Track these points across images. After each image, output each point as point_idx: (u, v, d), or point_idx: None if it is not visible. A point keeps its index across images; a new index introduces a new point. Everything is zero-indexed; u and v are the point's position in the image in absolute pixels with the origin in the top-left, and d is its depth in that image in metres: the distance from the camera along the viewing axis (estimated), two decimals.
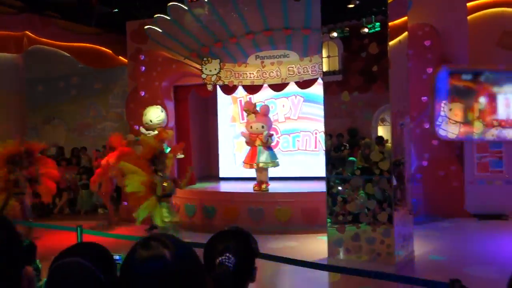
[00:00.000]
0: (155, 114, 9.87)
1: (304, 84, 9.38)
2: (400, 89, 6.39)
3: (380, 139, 6.24)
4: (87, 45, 11.76)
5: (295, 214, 8.27)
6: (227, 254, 1.59)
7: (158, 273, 1.07)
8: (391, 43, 6.10)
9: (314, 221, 7.82)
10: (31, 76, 11.89)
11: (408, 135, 6.74)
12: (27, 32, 10.57)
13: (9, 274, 1.02)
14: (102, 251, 1.56)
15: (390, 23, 6.06)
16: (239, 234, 1.72)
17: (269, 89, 9.85)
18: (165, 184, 6.80)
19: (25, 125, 11.48)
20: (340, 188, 6.38)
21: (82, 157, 11.90)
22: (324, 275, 5.65)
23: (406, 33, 6.70)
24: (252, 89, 9.79)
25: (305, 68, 9.14)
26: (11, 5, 10.11)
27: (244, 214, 8.48)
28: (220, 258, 1.58)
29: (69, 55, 11.57)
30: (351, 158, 6.35)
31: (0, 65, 10.51)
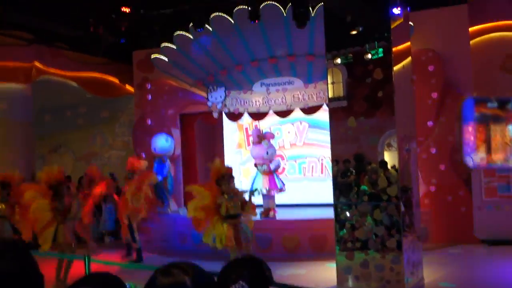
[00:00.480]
0: (159, 144, 9.93)
1: (309, 110, 9.43)
2: (405, 114, 6.40)
3: (384, 164, 6.23)
4: (95, 74, 11.95)
5: (303, 242, 8.19)
6: (241, 282, 1.58)
7: None
8: (395, 68, 6.15)
9: (322, 248, 7.74)
10: (39, 105, 12.05)
11: (414, 160, 6.71)
12: (36, 63, 10.76)
13: None
14: (114, 280, 1.55)
15: (393, 49, 6.12)
16: (252, 261, 1.71)
17: (274, 115, 9.90)
18: (230, 204, 6.57)
19: (33, 154, 11.55)
20: (348, 214, 6.32)
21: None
22: None
23: (409, 58, 6.76)
24: (258, 116, 9.86)
25: (310, 95, 9.20)
26: (21, 37, 10.32)
27: (252, 241, 8.40)
28: (234, 286, 1.57)
29: (76, 85, 11.74)
30: (363, 187, 6.26)
31: (9, 96, 10.66)
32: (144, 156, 10.20)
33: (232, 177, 6.85)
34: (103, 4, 8.96)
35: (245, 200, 6.79)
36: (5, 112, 10.63)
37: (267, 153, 9.24)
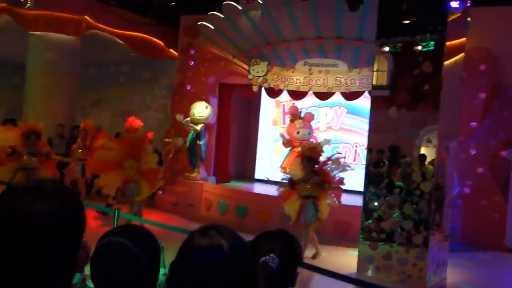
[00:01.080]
0: (198, 109, 10.03)
1: (350, 95, 9.29)
2: (450, 111, 6.24)
3: (422, 159, 6.10)
4: (141, 35, 12.04)
5: (327, 225, 8.16)
6: (272, 255, 1.57)
7: (216, 262, 1.08)
8: (445, 63, 5.97)
9: (345, 234, 7.73)
10: (84, 59, 12.28)
11: (453, 159, 6.56)
12: (86, 16, 10.92)
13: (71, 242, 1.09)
14: (149, 236, 1.59)
15: (447, 43, 5.93)
16: (285, 236, 1.71)
17: (313, 96, 9.80)
18: (303, 186, 6.93)
19: (75, 105, 11.86)
20: (376, 204, 6.28)
21: None
22: None
23: (462, 55, 6.54)
24: (297, 95, 9.78)
25: (352, 80, 9.05)
26: None
27: (275, 218, 8.46)
28: (264, 258, 1.57)
29: (122, 42, 11.87)
30: (398, 183, 6.16)
31: (58, 46, 10.89)
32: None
33: (313, 161, 6.99)
34: None
35: (324, 179, 6.92)
36: (54, 62, 10.88)
37: (298, 132, 9.21)
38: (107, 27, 11.36)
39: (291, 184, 7.13)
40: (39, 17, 10.53)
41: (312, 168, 6.97)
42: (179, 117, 10.12)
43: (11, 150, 7.24)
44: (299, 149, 9.11)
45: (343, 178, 7.04)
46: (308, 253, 6.98)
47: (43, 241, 1.02)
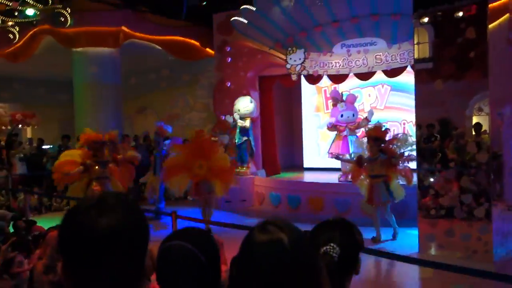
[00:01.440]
0: (243, 104, 10.10)
1: (392, 72, 9.06)
2: (499, 76, 5.96)
3: (479, 127, 5.87)
4: (177, 38, 12.23)
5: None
6: (332, 244, 1.57)
7: (277, 256, 1.09)
8: (490, 26, 5.70)
9: (402, 215, 7.56)
10: (125, 68, 12.63)
11: (508, 125, 6.28)
12: (123, 27, 11.22)
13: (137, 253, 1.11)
14: (207, 236, 1.66)
15: (489, 5, 5.66)
16: (344, 224, 1.70)
17: (354, 78, 9.64)
18: (371, 166, 7.10)
19: (121, 115, 12.22)
20: (432, 180, 6.11)
21: None
22: (415, 270, 5.47)
23: (507, 15, 6.22)
24: (337, 78, 9.65)
25: (393, 56, 8.81)
26: (110, 2, 10.79)
27: (330, 205, 8.43)
28: (324, 248, 1.56)
29: (160, 47, 12.11)
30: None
31: (99, 60, 11.28)
32: (223, 118, 10.43)
33: (380, 140, 7.05)
34: None
35: (392, 159, 6.98)
36: (97, 75, 11.29)
37: (342, 115, 9.11)
38: (143, 35, 11.62)
39: (358, 162, 7.15)
40: (80, 34, 10.93)
41: (378, 148, 6.99)
42: (228, 118, 10.22)
43: (83, 167, 7.62)
44: (345, 133, 9.04)
45: (412, 156, 6.87)
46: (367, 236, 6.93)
47: (110, 254, 1.04)
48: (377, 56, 8.95)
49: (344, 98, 9.47)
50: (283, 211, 9.04)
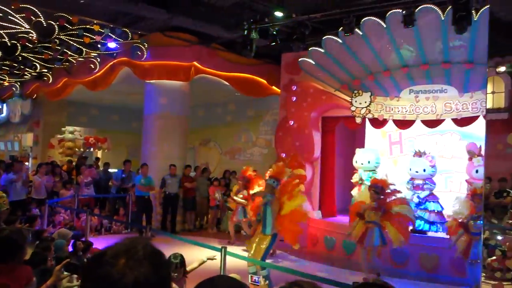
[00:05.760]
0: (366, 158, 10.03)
1: (462, 121, 8.68)
2: None
3: None
4: (245, 75, 12.55)
5: (443, 262, 7.59)
6: None
7: None
8: None
9: (465, 273, 7.08)
10: (194, 101, 13.09)
11: None
12: (195, 62, 11.70)
13: None
14: (236, 283, 1.61)
15: None
16: None
17: (420, 124, 9.32)
18: (370, 212, 7.42)
19: (185, 145, 12.59)
20: (499, 238, 5.71)
21: (232, 180, 12.61)
22: None
23: None
24: (403, 124, 9.40)
25: (464, 105, 8.47)
26: (186, 39, 11.34)
27: (386, 255, 8.06)
28: None
29: (228, 83, 12.46)
30: None
31: (170, 92, 11.80)
32: (284, 155, 10.43)
33: (380, 189, 7.33)
34: (258, 9, 9.38)
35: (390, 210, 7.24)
36: (166, 106, 11.78)
37: (477, 171, 7.64)
38: (213, 71, 12.04)
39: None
40: (154, 67, 11.54)
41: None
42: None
43: None
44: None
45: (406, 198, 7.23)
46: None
47: None
48: (447, 104, 8.65)
49: (481, 151, 8.05)
50: (338, 255, 8.77)
